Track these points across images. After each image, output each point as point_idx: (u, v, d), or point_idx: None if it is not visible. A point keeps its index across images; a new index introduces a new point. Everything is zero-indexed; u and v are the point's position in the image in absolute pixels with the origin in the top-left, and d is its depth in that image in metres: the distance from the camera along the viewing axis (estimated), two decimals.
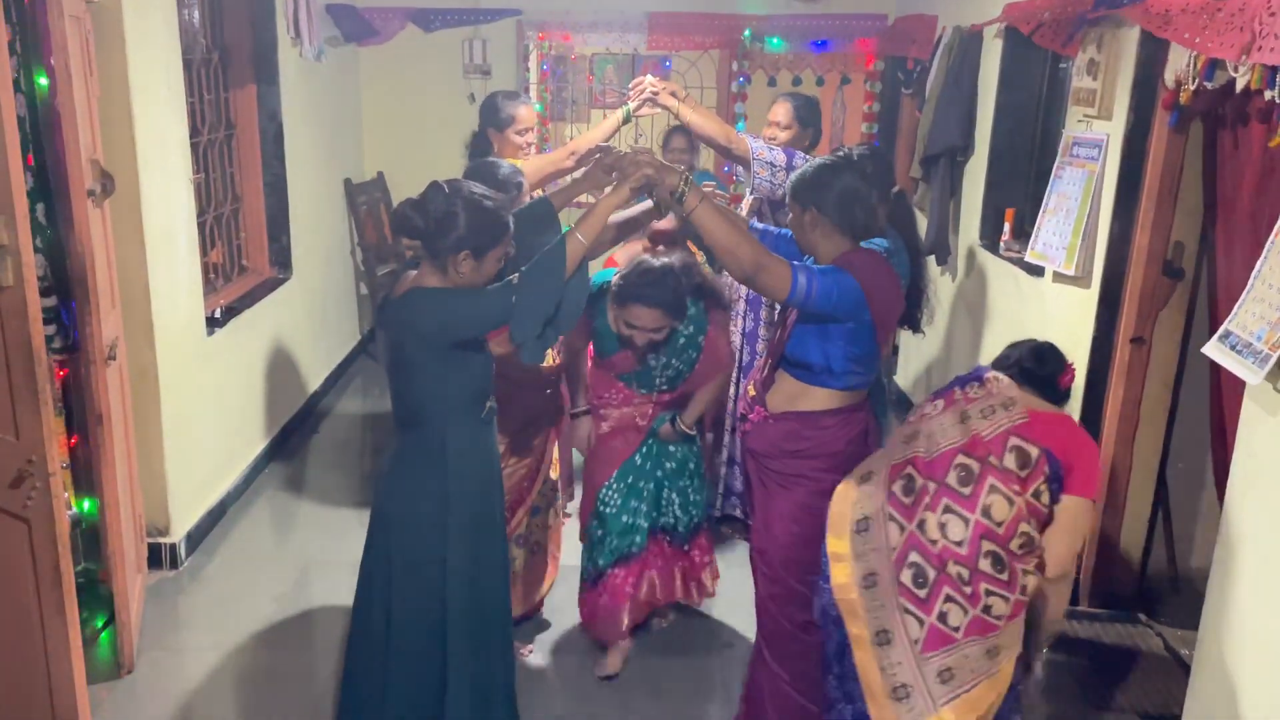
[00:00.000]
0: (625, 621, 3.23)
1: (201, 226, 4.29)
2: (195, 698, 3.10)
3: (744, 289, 3.81)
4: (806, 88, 5.58)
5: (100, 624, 3.34)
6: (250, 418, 4.60)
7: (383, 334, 2.64)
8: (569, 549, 3.55)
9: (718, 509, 4.07)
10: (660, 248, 3.64)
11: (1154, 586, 3.65)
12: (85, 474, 3.21)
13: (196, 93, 4.30)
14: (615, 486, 3.21)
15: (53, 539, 2.36)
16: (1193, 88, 2.81)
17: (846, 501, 2.36)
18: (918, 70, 5.23)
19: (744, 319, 3.93)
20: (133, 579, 3.25)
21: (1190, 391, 3.44)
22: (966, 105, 4.50)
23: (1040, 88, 4.23)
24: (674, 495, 3.26)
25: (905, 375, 5.68)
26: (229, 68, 4.71)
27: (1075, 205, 3.44)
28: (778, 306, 3.09)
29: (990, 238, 4.34)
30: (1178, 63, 2.90)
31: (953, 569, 2.20)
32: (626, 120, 3.72)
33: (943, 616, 2.21)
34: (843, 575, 2.31)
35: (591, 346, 3.24)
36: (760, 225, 2.92)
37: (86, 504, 3.28)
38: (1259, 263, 2.36)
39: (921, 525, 2.24)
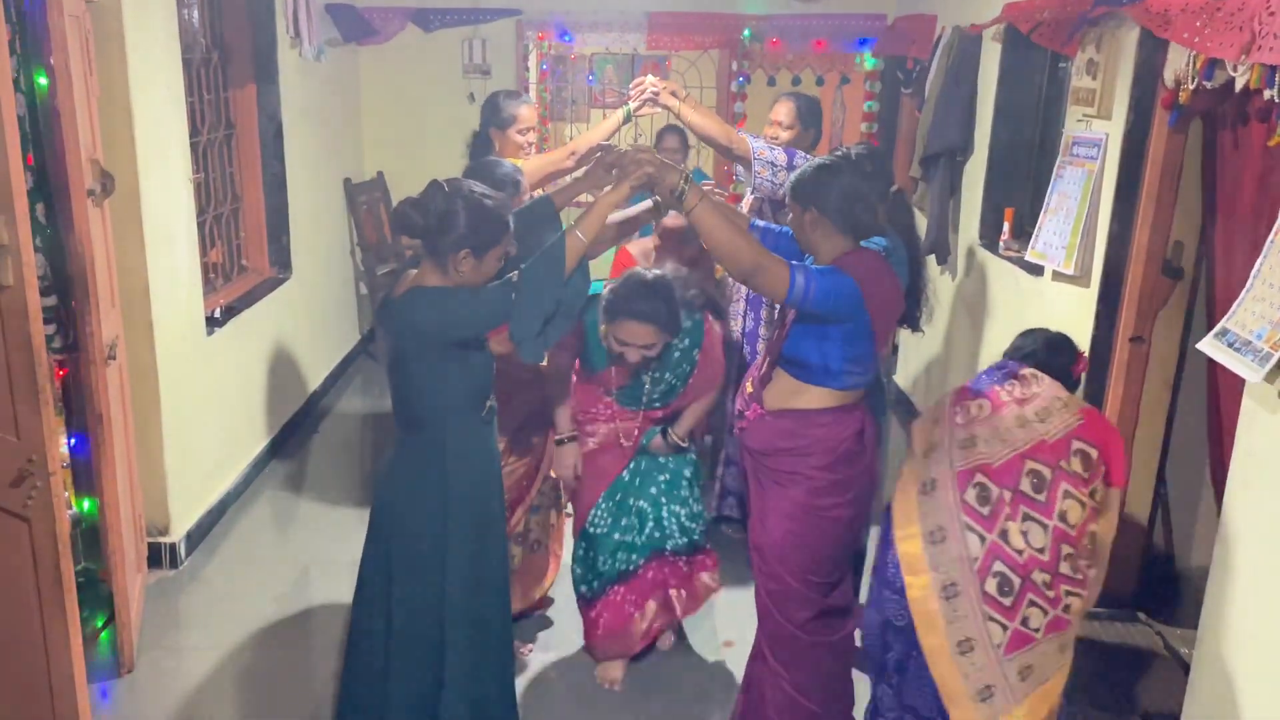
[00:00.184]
0: (636, 646, 3.14)
1: (201, 226, 4.29)
2: (195, 697, 3.10)
3: (744, 288, 3.81)
4: (806, 88, 5.59)
5: (100, 623, 3.34)
6: (250, 417, 4.61)
7: (383, 333, 2.64)
8: (571, 547, 3.54)
9: (714, 509, 4.06)
10: (658, 246, 3.64)
11: (1153, 585, 3.65)
12: (85, 473, 3.21)
13: (196, 92, 4.30)
14: (604, 506, 3.10)
15: (53, 538, 2.36)
16: (1192, 87, 2.81)
17: (914, 512, 2.36)
18: (917, 70, 5.23)
19: (744, 318, 3.93)
20: (133, 578, 3.26)
21: (1189, 391, 3.44)
22: (966, 105, 4.51)
23: (1040, 87, 4.23)
24: (673, 516, 3.13)
25: (905, 374, 5.68)
26: (229, 67, 4.71)
27: (1074, 204, 3.44)
28: (777, 306, 3.08)
29: (990, 237, 4.34)
30: (1177, 62, 2.89)
31: (1037, 576, 2.25)
32: (627, 120, 3.72)
33: (1025, 620, 2.26)
34: (921, 587, 2.32)
35: (579, 361, 3.08)
36: (761, 223, 2.92)
37: (86, 503, 3.29)
38: (1259, 262, 2.37)
39: (1004, 535, 2.27)
